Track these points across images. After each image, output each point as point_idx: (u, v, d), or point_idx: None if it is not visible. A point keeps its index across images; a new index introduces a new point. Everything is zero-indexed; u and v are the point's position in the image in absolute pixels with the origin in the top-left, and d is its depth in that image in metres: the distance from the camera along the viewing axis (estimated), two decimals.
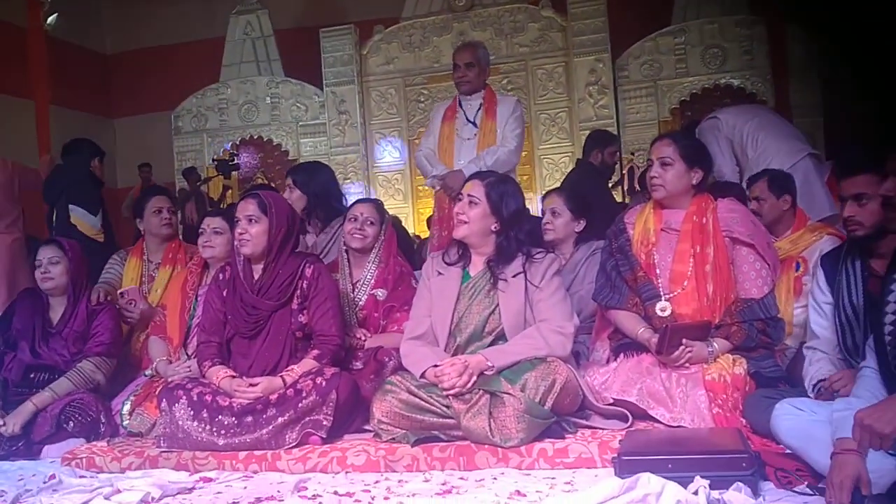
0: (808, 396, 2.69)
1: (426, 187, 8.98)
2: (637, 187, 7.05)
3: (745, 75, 8.18)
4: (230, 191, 9.26)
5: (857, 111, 7.08)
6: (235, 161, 9.14)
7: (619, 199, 7.39)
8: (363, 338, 3.41)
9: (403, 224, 6.86)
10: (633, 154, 8.23)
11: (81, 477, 2.86)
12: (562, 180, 6.64)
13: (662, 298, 3.08)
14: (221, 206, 9.01)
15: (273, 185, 9.31)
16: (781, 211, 3.74)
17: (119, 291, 3.91)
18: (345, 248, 3.62)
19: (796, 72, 7.97)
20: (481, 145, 4.38)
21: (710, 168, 3.28)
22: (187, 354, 3.51)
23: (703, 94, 8.35)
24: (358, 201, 3.78)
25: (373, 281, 3.53)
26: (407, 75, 8.89)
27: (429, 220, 8.41)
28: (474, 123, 4.44)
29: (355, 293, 3.54)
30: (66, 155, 5.38)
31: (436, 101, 8.64)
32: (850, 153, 3.64)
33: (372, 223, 3.55)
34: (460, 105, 4.54)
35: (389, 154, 8.93)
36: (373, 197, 8.41)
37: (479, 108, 4.46)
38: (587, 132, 7.23)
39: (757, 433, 2.67)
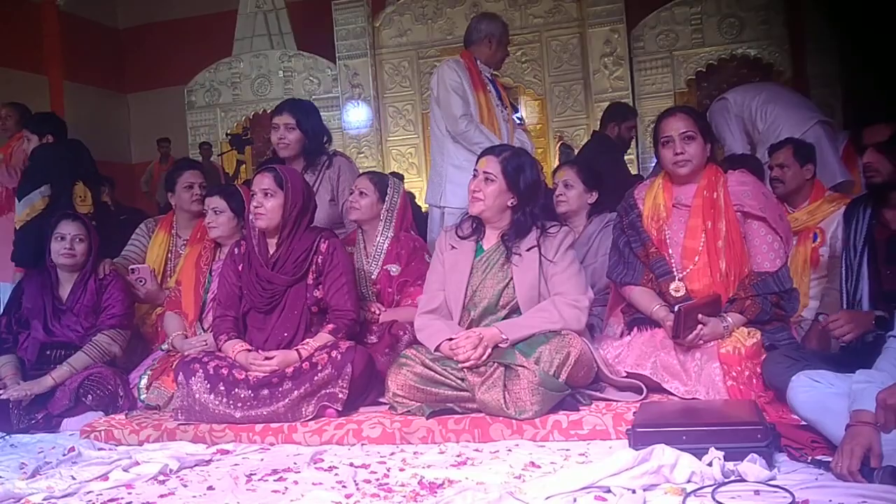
0: (825, 362, 2.69)
1: None
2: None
3: (762, 45, 8.05)
4: (244, 165, 9.27)
5: (875, 80, 6.97)
6: (248, 136, 9.13)
7: (634, 171, 7.36)
8: (378, 312, 3.42)
9: (417, 199, 6.82)
10: (647, 126, 8.15)
11: (100, 449, 2.91)
12: (577, 152, 6.61)
13: (675, 275, 3.06)
14: (235, 181, 9.04)
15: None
16: (804, 180, 3.75)
17: (130, 267, 3.90)
18: (353, 220, 3.64)
19: (814, 41, 7.84)
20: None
21: (713, 139, 3.26)
22: (203, 329, 3.54)
23: (720, 65, 8.24)
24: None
25: (384, 256, 3.54)
26: (420, 47, 8.81)
27: None
28: (502, 104, 4.24)
29: (370, 261, 3.55)
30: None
31: None
32: (869, 103, 3.71)
33: (363, 194, 3.55)
34: (487, 79, 4.23)
35: (403, 128, 8.89)
36: (388, 172, 8.47)
37: (497, 91, 4.28)
38: (602, 104, 7.20)
39: (774, 390, 2.67)
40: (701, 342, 2.88)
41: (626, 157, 6.48)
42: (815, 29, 7.85)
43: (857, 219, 2.81)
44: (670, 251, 3.10)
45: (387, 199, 3.59)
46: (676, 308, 2.89)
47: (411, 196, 5.33)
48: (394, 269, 3.49)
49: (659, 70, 8.36)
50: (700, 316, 2.87)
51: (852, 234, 2.81)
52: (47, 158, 4.47)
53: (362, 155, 8.68)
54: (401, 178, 8.31)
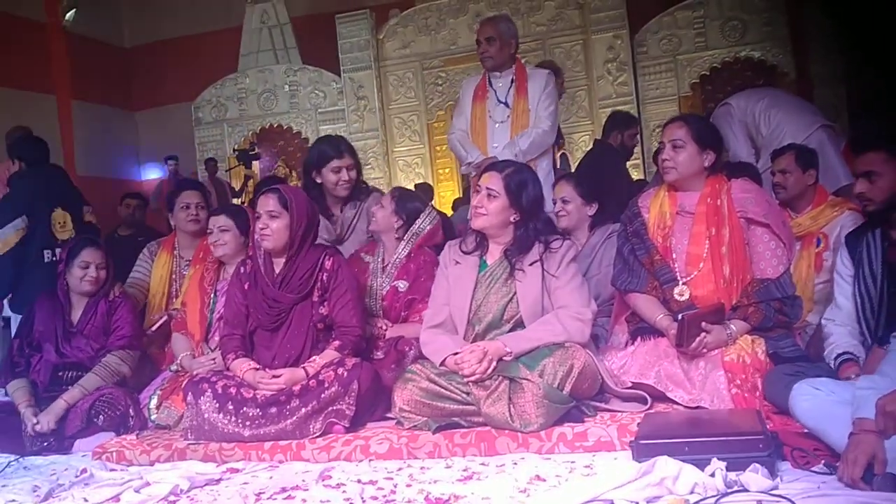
0: (828, 372, 2.70)
1: (446, 171, 9.05)
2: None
3: (765, 47, 8.04)
4: (251, 180, 9.32)
5: (879, 80, 6.96)
6: (256, 151, 9.18)
7: (640, 175, 7.36)
8: (384, 328, 3.45)
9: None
10: (653, 131, 8.16)
11: (112, 470, 2.94)
12: (580, 161, 6.61)
13: (679, 282, 3.08)
14: (244, 196, 9.09)
15: (294, 171, 9.39)
16: (806, 185, 3.77)
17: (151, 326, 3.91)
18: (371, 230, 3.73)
19: (817, 42, 7.84)
20: (515, 128, 4.26)
21: (721, 150, 3.26)
22: (209, 349, 3.58)
23: (724, 68, 8.23)
24: None
25: (395, 272, 3.57)
26: (424, 58, 8.85)
27: (455, 203, 8.44)
28: (506, 104, 4.31)
29: (384, 276, 3.58)
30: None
31: (453, 84, 8.63)
32: (861, 131, 3.67)
33: (380, 205, 3.61)
34: (490, 84, 4.38)
35: (409, 139, 8.93)
36: (394, 182, 8.50)
37: (510, 87, 4.33)
38: (607, 110, 7.21)
39: (777, 409, 2.67)
40: (705, 350, 2.90)
41: (631, 162, 6.51)
42: (818, 30, 7.85)
43: (867, 246, 2.78)
44: (675, 256, 3.12)
45: (415, 224, 3.61)
46: (680, 317, 2.91)
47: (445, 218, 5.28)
48: (402, 285, 3.51)
49: (663, 75, 8.36)
50: (704, 324, 2.89)
51: (866, 263, 2.77)
52: (20, 189, 4.50)
53: (368, 166, 8.69)
54: (430, 189, 8.38)
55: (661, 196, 3.22)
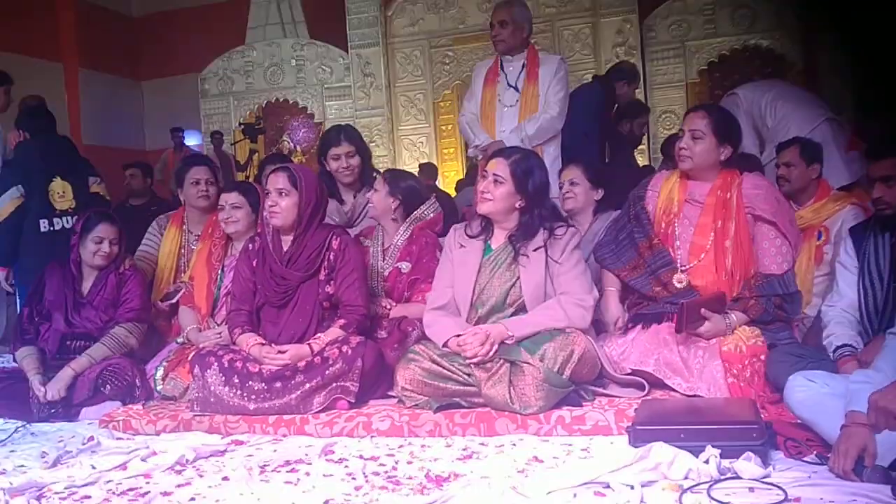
0: (829, 358, 2.75)
1: (450, 151, 9.05)
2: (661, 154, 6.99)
3: (774, 36, 8.02)
4: (256, 155, 9.33)
5: (887, 73, 6.95)
6: (261, 125, 9.18)
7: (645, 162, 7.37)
8: (388, 307, 3.49)
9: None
10: (659, 117, 8.16)
11: (118, 439, 3.01)
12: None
13: (678, 268, 3.12)
14: (248, 170, 9.10)
15: (298, 147, 9.40)
16: (809, 179, 3.79)
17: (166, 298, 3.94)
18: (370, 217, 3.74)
19: (827, 32, 7.81)
20: (523, 112, 4.27)
21: (739, 145, 3.28)
22: (216, 323, 3.63)
23: (732, 56, 8.21)
24: None
25: (397, 254, 3.60)
26: (432, 36, 8.82)
27: (458, 184, 8.45)
28: (516, 88, 4.33)
29: (385, 260, 3.61)
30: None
31: (461, 63, 8.63)
32: (879, 135, 3.70)
33: (375, 190, 3.63)
34: (502, 67, 4.40)
35: (414, 117, 8.93)
36: (399, 162, 8.50)
37: (520, 71, 4.34)
38: None
39: (777, 389, 2.70)
40: (702, 339, 2.94)
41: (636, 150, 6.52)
42: (827, 21, 7.82)
43: (876, 245, 2.83)
44: (677, 244, 3.15)
45: (417, 210, 3.64)
46: (680, 303, 2.96)
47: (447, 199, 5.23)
48: (404, 266, 3.55)
49: (671, 60, 8.34)
50: (703, 311, 2.93)
51: (873, 261, 2.82)
52: (18, 158, 4.52)
53: (373, 143, 8.70)
54: (434, 169, 8.37)
55: (672, 181, 3.25)
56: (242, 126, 9.16)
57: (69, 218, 4.42)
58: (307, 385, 3.02)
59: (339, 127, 4.20)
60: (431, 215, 3.68)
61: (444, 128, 8.91)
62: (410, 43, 8.89)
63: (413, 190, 3.68)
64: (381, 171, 4.22)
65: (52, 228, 4.41)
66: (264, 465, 2.54)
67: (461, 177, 8.66)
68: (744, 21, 8.17)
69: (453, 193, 7.98)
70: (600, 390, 2.96)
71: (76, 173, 4.59)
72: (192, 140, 9.79)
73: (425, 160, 8.65)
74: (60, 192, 4.47)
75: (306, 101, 9.20)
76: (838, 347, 2.78)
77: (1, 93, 4.91)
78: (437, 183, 8.24)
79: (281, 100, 9.38)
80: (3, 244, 4.43)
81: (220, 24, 9.92)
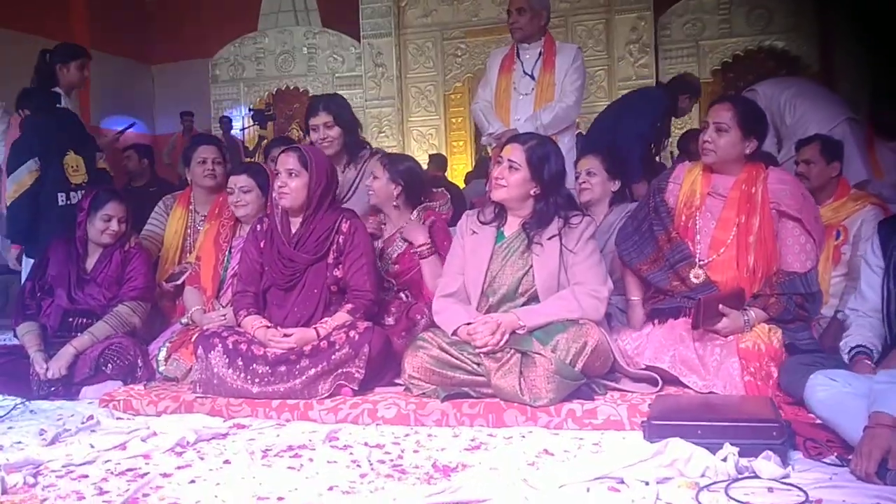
0: (845, 364, 2.67)
1: (460, 143, 9.00)
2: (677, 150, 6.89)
3: (790, 37, 7.95)
4: (265, 141, 9.28)
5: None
6: (271, 111, 9.14)
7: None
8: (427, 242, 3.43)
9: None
10: None
11: (119, 419, 2.96)
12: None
13: (697, 263, 3.05)
14: (256, 156, 9.04)
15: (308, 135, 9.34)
16: (829, 177, 3.74)
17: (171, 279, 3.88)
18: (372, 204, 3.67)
19: (843, 33, 7.73)
20: (539, 101, 4.23)
21: (765, 139, 3.20)
22: (221, 305, 3.57)
23: (746, 56, 8.15)
24: None
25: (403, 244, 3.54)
26: (445, 28, 8.78)
27: (467, 177, 8.40)
28: (532, 76, 4.29)
29: (393, 245, 3.55)
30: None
31: (472, 56, 8.57)
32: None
33: (375, 177, 3.55)
34: (518, 55, 4.37)
35: (425, 109, 8.87)
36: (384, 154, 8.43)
37: (537, 59, 4.30)
38: (625, 91, 7.08)
39: (791, 398, 2.65)
40: (719, 336, 2.88)
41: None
42: (844, 22, 7.74)
43: None
44: (697, 238, 3.08)
45: (398, 178, 3.53)
46: (697, 298, 2.89)
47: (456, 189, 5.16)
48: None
49: (685, 59, 8.28)
50: (721, 307, 2.87)
51: None
52: (31, 132, 4.41)
53: (383, 134, 8.67)
54: (444, 160, 8.32)
55: (695, 173, 3.17)
56: (252, 112, 9.13)
57: (82, 192, 4.35)
58: (312, 370, 2.96)
59: (320, 96, 4.09)
60: (444, 214, 3.63)
61: (454, 120, 8.87)
62: (423, 34, 8.85)
63: (413, 172, 3.60)
64: (372, 146, 4.10)
65: (69, 202, 4.34)
66: (267, 450, 2.48)
67: (470, 169, 8.61)
68: (759, 21, 8.11)
69: (462, 186, 7.94)
70: (612, 384, 2.90)
71: (85, 147, 4.53)
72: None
73: (434, 152, 8.60)
74: (74, 165, 4.40)
75: (317, 90, 9.16)
76: (853, 348, 2.71)
77: (74, 68, 4.73)
78: (445, 174, 8.19)
79: (291, 87, 9.35)
80: (21, 221, 4.35)
81: (232, 10, 9.90)
